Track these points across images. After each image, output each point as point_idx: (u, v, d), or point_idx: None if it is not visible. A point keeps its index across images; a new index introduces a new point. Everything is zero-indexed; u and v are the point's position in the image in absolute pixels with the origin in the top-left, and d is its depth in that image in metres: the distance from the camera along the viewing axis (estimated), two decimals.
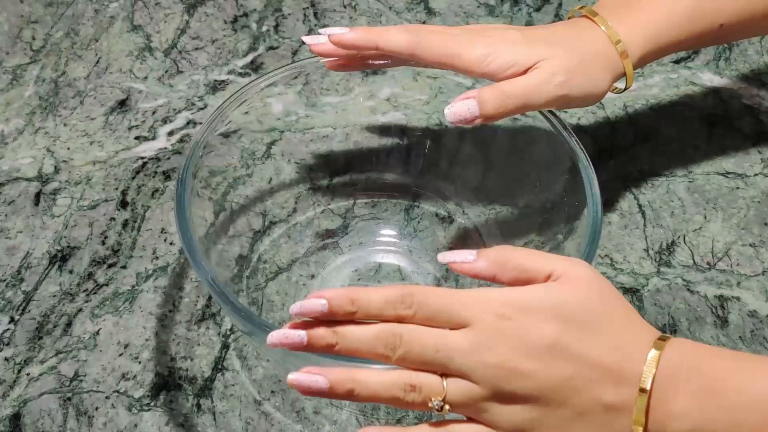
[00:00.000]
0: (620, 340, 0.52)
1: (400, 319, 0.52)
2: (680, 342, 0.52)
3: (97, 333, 0.71)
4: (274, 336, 0.51)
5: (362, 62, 0.69)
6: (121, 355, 0.70)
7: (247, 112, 0.72)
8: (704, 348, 0.53)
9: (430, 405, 0.51)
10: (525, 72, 0.65)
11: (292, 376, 0.51)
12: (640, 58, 0.68)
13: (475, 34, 0.66)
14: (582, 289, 0.52)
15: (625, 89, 0.70)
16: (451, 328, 0.52)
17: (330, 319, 0.52)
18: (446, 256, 0.55)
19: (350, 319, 0.52)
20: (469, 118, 0.63)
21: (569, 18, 0.70)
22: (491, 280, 0.54)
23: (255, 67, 0.89)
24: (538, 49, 0.65)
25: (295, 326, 0.52)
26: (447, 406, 0.51)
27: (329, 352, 0.52)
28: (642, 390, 0.51)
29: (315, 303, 0.51)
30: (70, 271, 0.74)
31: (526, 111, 0.66)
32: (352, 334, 0.51)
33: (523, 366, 0.51)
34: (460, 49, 0.65)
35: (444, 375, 0.52)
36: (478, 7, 0.95)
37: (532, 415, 0.52)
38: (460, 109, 0.63)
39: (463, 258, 0.54)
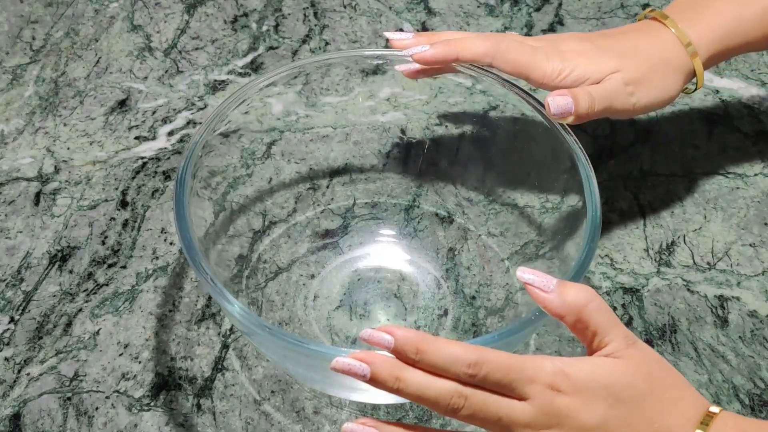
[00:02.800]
0: (666, 420, 0.53)
1: (461, 381, 0.51)
2: (725, 418, 0.53)
3: (97, 333, 0.71)
4: (339, 362, 0.51)
5: (438, 70, 0.70)
6: (121, 355, 0.70)
7: (246, 112, 0.72)
8: (749, 423, 0.54)
9: None
10: (598, 83, 0.68)
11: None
12: (709, 58, 0.71)
13: (549, 47, 0.68)
14: (634, 367, 0.53)
15: (696, 90, 0.72)
16: (512, 396, 0.52)
17: (392, 354, 0.52)
18: (525, 275, 0.54)
19: (411, 364, 0.52)
20: (567, 113, 0.65)
21: (639, 20, 0.72)
22: (554, 317, 0.54)
23: (255, 67, 0.89)
24: (609, 61, 0.68)
25: (362, 358, 0.51)
26: None
27: (390, 392, 0.51)
28: None
29: (382, 337, 0.51)
30: (70, 271, 0.74)
31: (605, 116, 0.68)
32: (416, 386, 0.51)
33: None
34: (536, 62, 0.67)
35: None
36: (478, 6, 0.95)
37: None
38: (561, 102, 0.65)
39: (542, 285, 0.54)
